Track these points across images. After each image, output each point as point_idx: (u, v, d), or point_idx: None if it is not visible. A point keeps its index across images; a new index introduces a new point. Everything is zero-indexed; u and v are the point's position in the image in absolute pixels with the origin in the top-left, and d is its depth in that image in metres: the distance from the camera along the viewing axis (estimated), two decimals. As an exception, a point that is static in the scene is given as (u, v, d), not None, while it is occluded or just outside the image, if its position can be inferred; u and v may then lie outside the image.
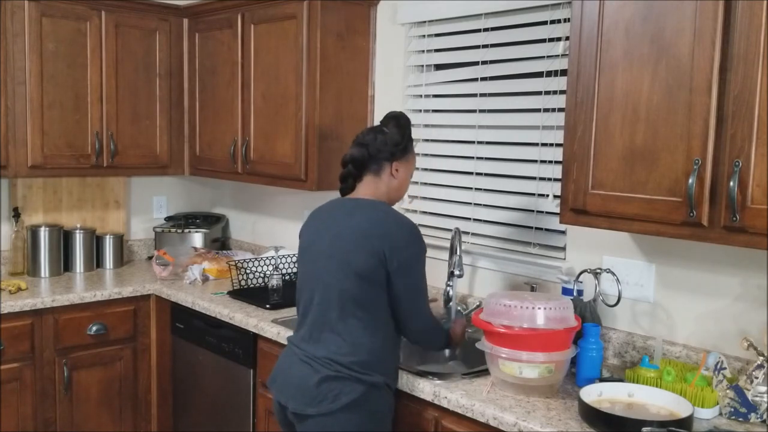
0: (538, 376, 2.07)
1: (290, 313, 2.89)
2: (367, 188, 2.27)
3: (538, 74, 2.68)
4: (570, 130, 2.11)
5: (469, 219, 2.94)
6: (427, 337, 2.26)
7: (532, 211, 2.73)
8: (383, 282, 2.13)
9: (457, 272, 2.74)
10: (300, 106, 3.11)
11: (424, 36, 3.09)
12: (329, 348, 2.14)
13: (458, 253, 2.73)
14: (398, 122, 2.28)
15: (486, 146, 2.88)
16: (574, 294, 2.41)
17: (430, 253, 2.99)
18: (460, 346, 2.58)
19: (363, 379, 2.10)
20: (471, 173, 2.93)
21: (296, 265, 3.37)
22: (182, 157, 3.83)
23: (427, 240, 2.98)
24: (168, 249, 3.71)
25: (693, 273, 2.25)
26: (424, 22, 3.06)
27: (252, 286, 3.34)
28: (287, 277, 3.31)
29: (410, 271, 2.15)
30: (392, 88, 3.21)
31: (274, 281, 3.13)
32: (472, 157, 2.92)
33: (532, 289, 2.59)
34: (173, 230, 3.92)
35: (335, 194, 2.40)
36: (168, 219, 4.09)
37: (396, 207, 3.12)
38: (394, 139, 2.25)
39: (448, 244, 2.82)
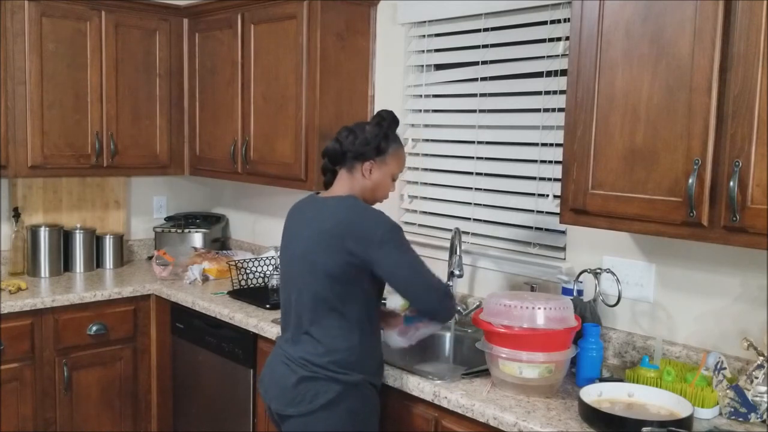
0: (538, 376, 2.07)
1: (290, 313, 2.90)
2: (341, 185, 2.24)
3: (538, 74, 2.68)
4: (570, 130, 2.11)
5: (469, 219, 2.94)
6: (444, 311, 2.20)
7: (532, 211, 2.73)
8: (354, 280, 2.11)
9: (457, 272, 2.74)
10: (300, 106, 3.11)
11: (424, 36, 3.09)
12: (305, 349, 2.14)
13: (458, 253, 2.73)
14: (378, 120, 2.24)
15: (486, 146, 2.88)
16: (574, 294, 2.41)
17: (430, 252, 3.01)
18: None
19: (339, 379, 2.10)
20: (471, 173, 2.93)
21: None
22: (182, 157, 3.83)
23: (427, 240, 3.01)
24: (168, 249, 3.71)
25: (693, 273, 2.25)
26: (424, 22, 3.06)
27: (252, 286, 3.34)
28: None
29: (390, 249, 2.08)
30: (392, 88, 3.21)
31: (274, 281, 3.13)
32: (472, 157, 2.92)
33: (532, 289, 2.59)
34: (173, 230, 3.92)
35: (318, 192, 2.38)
36: (168, 219, 4.09)
37: (396, 207, 3.14)
38: (365, 139, 2.19)
39: (448, 244, 2.82)
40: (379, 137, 2.20)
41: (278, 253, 3.34)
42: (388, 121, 2.24)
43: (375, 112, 3.21)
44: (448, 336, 2.76)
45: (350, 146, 2.20)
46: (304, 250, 2.17)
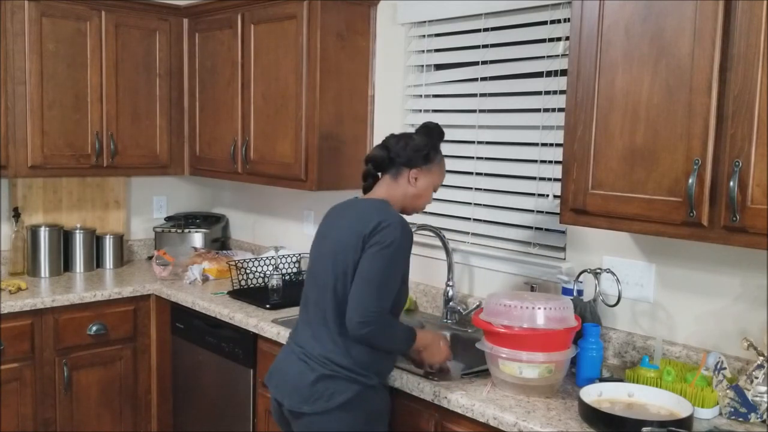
0: (538, 376, 2.07)
1: (290, 313, 2.90)
2: (381, 190, 2.28)
3: (538, 74, 2.68)
4: (570, 130, 2.11)
5: (469, 219, 2.94)
6: (368, 337, 2.07)
7: (532, 211, 2.73)
8: None
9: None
10: (300, 106, 3.11)
11: (424, 36, 3.09)
12: (325, 347, 2.14)
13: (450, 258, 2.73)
14: (427, 131, 2.29)
15: (486, 146, 2.88)
16: (574, 294, 2.41)
17: (429, 252, 3.01)
18: (434, 366, 2.27)
19: (358, 380, 2.11)
20: (471, 173, 2.93)
21: (297, 265, 3.41)
22: (182, 157, 3.83)
23: (426, 240, 3.01)
24: (168, 249, 3.71)
25: (693, 273, 2.25)
26: (424, 22, 3.06)
27: (252, 286, 3.33)
28: (287, 277, 3.31)
29: (376, 255, 2.06)
30: (392, 88, 3.21)
31: (274, 281, 3.13)
32: (472, 157, 2.92)
33: (532, 289, 2.59)
34: (173, 230, 3.92)
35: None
36: (168, 219, 4.09)
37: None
38: (416, 146, 2.24)
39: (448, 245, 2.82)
40: (429, 146, 2.27)
41: (278, 252, 3.35)
42: (436, 132, 2.30)
43: (374, 112, 3.26)
44: (447, 335, 2.75)
45: (401, 152, 2.24)
46: (331, 249, 2.19)
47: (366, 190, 2.35)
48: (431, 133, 2.29)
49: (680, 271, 2.28)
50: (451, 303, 2.83)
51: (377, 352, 2.14)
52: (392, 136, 2.33)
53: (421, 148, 2.25)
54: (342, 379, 2.11)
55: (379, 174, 2.32)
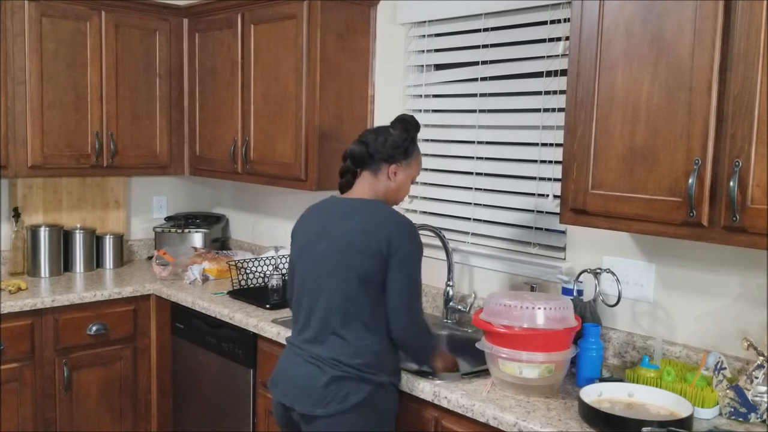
0: (538, 376, 2.07)
1: (290, 313, 2.89)
2: (363, 187, 2.26)
3: (538, 74, 2.68)
4: (570, 130, 2.11)
5: (469, 219, 2.94)
6: (414, 342, 2.21)
7: (532, 211, 2.73)
8: (382, 283, 2.12)
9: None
10: (300, 106, 3.11)
11: (424, 36, 3.09)
12: (334, 350, 2.13)
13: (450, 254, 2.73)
14: (404, 125, 2.27)
15: (486, 146, 2.88)
16: (574, 294, 2.41)
17: (429, 252, 3.01)
18: (439, 373, 2.30)
19: (370, 379, 2.10)
20: (471, 173, 2.93)
21: (288, 264, 3.40)
22: (182, 157, 3.83)
23: (426, 240, 3.01)
24: (168, 249, 3.71)
25: (693, 273, 2.25)
26: (424, 22, 3.06)
27: (252, 286, 3.34)
28: (287, 277, 3.31)
29: (407, 267, 2.12)
30: (392, 88, 3.21)
31: (274, 281, 3.13)
32: (472, 157, 2.92)
33: (532, 289, 2.59)
34: (173, 230, 3.92)
35: (336, 194, 2.40)
36: (168, 219, 4.09)
37: (396, 206, 3.13)
38: (394, 142, 2.23)
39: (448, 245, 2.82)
40: (407, 141, 2.26)
41: (278, 252, 3.35)
42: (413, 125, 2.29)
43: (374, 112, 3.26)
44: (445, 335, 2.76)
45: (380, 148, 2.23)
46: (337, 252, 2.15)
47: (343, 186, 2.32)
48: (408, 127, 2.27)
49: (680, 271, 2.28)
50: (451, 303, 2.83)
51: (384, 350, 2.14)
52: (369, 131, 2.31)
53: (400, 143, 2.24)
54: (354, 380, 2.10)
55: (357, 170, 2.29)
